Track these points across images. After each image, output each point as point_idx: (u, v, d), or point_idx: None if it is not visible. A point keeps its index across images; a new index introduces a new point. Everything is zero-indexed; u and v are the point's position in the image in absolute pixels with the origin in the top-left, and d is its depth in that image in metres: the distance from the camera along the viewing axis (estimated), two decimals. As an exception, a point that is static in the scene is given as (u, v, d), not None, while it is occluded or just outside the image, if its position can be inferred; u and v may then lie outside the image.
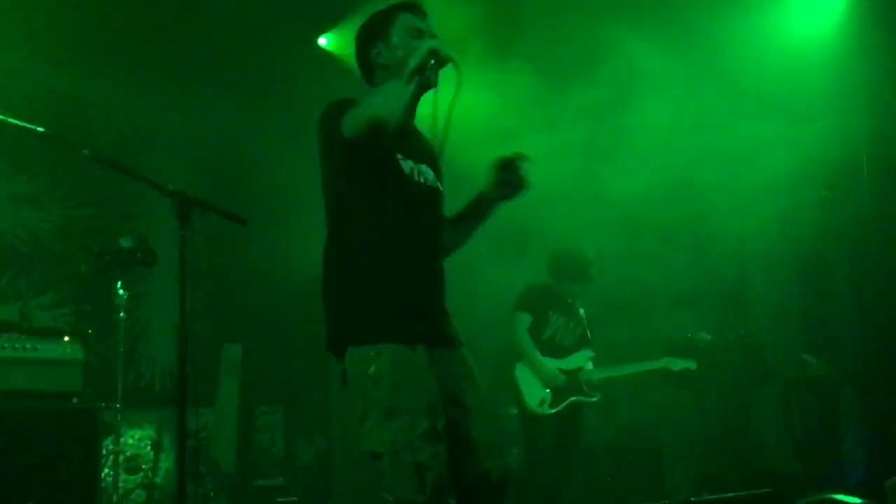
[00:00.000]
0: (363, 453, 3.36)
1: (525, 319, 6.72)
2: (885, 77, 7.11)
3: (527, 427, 6.76)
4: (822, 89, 7.15)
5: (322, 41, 8.27)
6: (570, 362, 6.79)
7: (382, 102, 3.39)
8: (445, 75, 3.44)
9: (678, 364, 6.93)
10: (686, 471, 7.48)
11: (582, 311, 6.95)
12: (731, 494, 5.15)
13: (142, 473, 6.68)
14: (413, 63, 3.34)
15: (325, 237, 3.53)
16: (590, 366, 6.87)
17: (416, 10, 3.69)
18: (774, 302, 7.78)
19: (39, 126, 3.73)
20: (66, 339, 5.66)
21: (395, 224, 3.42)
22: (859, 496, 4.50)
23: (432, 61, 3.37)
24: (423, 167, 3.60)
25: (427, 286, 3.50)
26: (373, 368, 3.28)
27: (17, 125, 3.77)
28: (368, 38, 3.69)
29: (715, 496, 5.04)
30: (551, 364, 6.72)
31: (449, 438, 3.28)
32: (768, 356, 7.45)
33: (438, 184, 3.64)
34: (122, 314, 6.05)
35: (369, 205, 3.44)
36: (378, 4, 3.77)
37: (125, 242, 4.63)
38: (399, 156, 3.51)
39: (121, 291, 6.03)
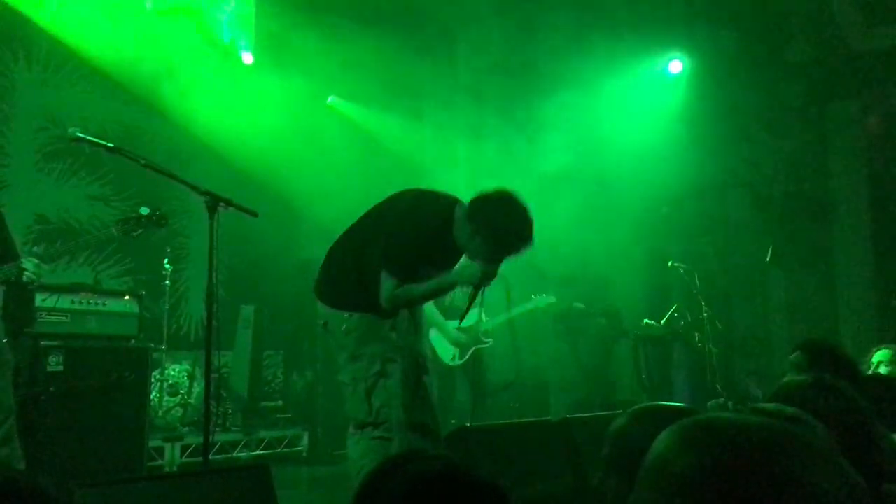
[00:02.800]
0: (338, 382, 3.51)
1: None
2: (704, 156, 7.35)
3: (445, 377, 6.33)
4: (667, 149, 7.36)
5: (330, 99, 7.85)
6: (468, 319, 6.44)
7: (421, 297, 3.42)
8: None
9: (542, 301, 6.55)
10: (565, 399, 7.50)
11: None
12: (594, 414, 5.16)
13: (180, 396, 6.51)
14: (469, 281, 3.31)
15: (322, 233, 3.47)
16: (483, 318, 6.35)
17: (520, 251, 3.26)
18: (628, 284, 7.89)
19: (109, 143, 3.74)
20: (127, 297, 5.61)
21: None
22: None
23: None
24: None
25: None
26: (345, 325, 3.39)
27: (94, 142, 3.77)
28: (477, 226, 3.23)
29: (584, 415, 5.05)
30: (452, 326, 6.19)
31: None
32: (623, 320, 7.50)
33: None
34: (167, 282, 6.08)
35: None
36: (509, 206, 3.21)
37: (143, 210, 4.53)
38: (427, 268, 3.35)
39: (167, 265, 6.03)
